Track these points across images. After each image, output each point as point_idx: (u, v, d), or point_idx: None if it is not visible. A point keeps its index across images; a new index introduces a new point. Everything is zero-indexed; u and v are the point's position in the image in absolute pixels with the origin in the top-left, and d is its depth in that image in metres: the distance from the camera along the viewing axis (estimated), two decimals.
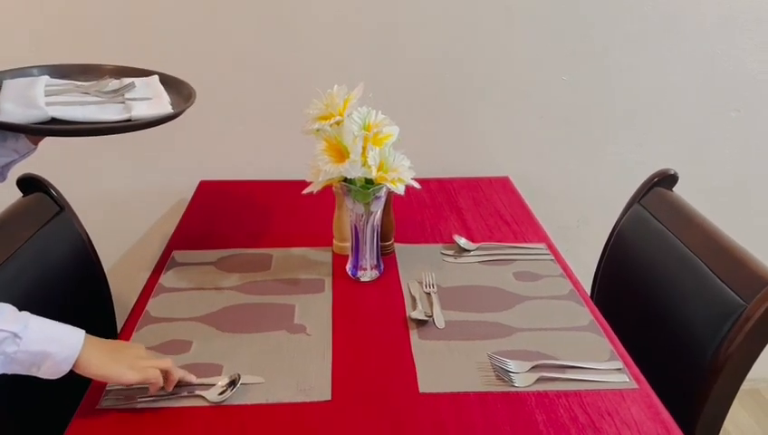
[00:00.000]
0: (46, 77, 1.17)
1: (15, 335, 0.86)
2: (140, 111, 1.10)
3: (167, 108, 1.14)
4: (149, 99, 1.16)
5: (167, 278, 1.29)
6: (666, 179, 1.43)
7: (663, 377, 1.09)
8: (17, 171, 1.23)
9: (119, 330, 1.16)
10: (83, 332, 0.92)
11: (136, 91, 1.19)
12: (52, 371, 0.89)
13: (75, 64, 1.23)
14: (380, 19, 1.67)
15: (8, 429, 1.08)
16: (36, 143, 1.10)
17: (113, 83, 1.20)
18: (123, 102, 1.13)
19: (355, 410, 0.96)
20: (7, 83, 1.13)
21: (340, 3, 1.65)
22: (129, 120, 1.08)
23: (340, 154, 1.15)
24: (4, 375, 0.89)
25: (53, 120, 1.05)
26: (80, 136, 1.08)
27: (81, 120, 1.06)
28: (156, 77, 1.24)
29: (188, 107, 1.14)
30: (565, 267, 1.35)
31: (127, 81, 1.21)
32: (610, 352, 1.09)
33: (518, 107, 1.80)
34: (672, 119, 1.84)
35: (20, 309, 1.13)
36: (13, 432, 1.09)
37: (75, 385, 1.02)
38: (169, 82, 1.22)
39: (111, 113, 1.10)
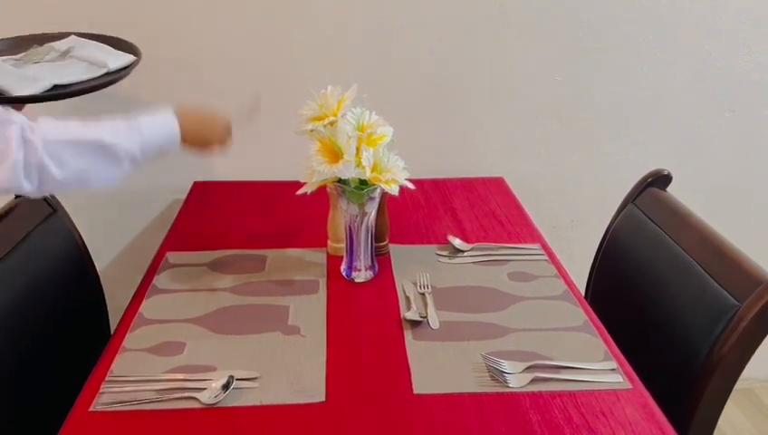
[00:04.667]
0: None
1: (141, 150, 1.05)
2: (113, 63, 1.25)
3: (126, 55, 1.29)
4: (105, 53, 1.29)
5: (160, 280, 1.28)
6: (659, 179, 1.44)
7: (657, 377, 1.09)
8: None
9: (112, 331, 1.15)
10: (176, 122, 1.10)
11: (80, 49, 1.32)
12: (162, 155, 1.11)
13: (9, 38, 1.34)
14: (374, 20, 1.67)
15: (1, 431, 1.08)
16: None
17: (44, 49, 1.32)
18: (86, 62, 1.26)
19: (349, 412, 0.96)
20: None
21: (333, 3, 1.65)
22: (108, 72, 1.23)
23: (334, 155, 1.15)
24: None
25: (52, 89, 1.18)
26: (82, 94, 1.20)
27: (75, 81, 1.20)
28: (73, 36, 1.36)
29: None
30: (559, 268, 1.35)
31: (57, 45, 1.33)
32: (604, 353, 1.09)
33: (512, 107, 1.80)
34: (666, 119, 1.84)
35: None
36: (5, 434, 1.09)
37: (67, 388, 1.02)
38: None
39: (84, 72, 1.23)
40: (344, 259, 1.30)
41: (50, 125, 0.98)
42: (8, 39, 1.35)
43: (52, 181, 0.97)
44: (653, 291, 1.30)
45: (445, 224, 1.53)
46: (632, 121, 1.84)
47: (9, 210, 1.27)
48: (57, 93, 1.20)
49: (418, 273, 1.30)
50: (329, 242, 1.38)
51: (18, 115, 0.96)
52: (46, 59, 1.29)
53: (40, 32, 1.38)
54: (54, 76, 1.21)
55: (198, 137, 1.16)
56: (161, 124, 1.10)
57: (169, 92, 1.62)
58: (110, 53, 1.30)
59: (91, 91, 1.22)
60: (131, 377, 1.01)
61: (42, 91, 1.18)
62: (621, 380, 1.03)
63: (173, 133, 1.10)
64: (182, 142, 1.12)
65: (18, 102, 1.17)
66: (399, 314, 1.18)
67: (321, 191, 1.24)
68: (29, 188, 0.96)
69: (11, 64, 1.27)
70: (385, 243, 1.38)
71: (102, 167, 1.02)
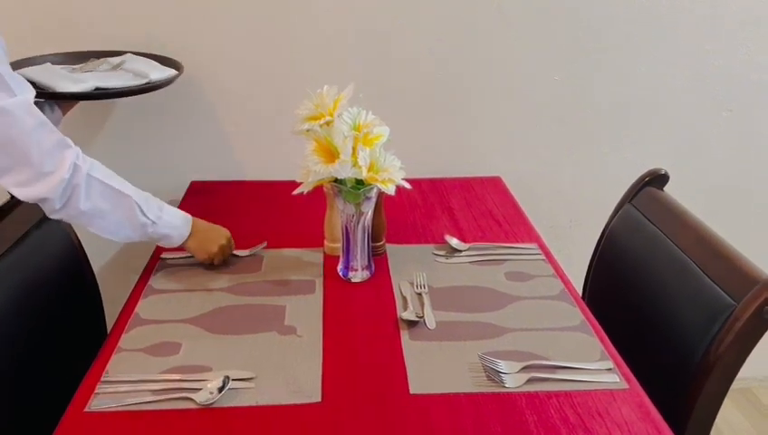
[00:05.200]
0: (48, 64, 1.47)
1: (154, 223, 1.19)
2: (155, 75, 1.44)
3: (169, 70, 1.49)
4: (150, 67, 1.48)
5: (156, 280, 1.28)
6: (657, 179, 1.44)
7: (653, 377, 1.09)
8: None
9: (108, 331, 1.15)
10: (191, 222, 1.26)
11: (131, 63, 1.50)
12: (163, 244, 1.26)
13: (73, 52, 1.55)
14: (371, 19, 1.67)
15: None
16: (65, 114, 1.44)
17: (99, 61, 1.51)
18: (131, 73, 1.45)
19: (345, 412, 0.96)
20: (29, 70, 1.40)
21: (332, 3, 1.64)
22: (149, 82, 1.42)
23: (331, 155, 1.15)
24: None
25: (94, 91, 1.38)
26: (123, 97, 1.44)
27: (115, 87, 1.39)
28: (129, 54, 1.56)
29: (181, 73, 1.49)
30: (557, 267, 1.35)
31: (113, 60, 1.53)
32: (601, 353, 1.09)
33: (510, 107, 1.80)
34: (664, 118, 1.84)
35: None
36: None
37: (63, 389, 1.02)
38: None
39: (127, 80, 1.41)
40: (341, 259, 1.30)
41: (99, 165, 1.12)
42: (71, 52, 1.55)
43: (74, 207, 1.09)
44: (650, 290, 1.30)
45: (442, 223, 1.53)
46: (630, 121, 1.84)
47: (6, 211, 1.27)
48: (98, 93, 1.38)
49: (415, 273, 1.30)
50: (325, 242, 1.38)
51: (75, 148, 1.09)
52: (99, 69, 1.49)
53: (100, 49, 1.59)
54: (99, 81, 1.39)
55: (201, 244, 1.28)
56: (179, 217, 1.25)
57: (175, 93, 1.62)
58: (155, 68, 1.49)
59: (129, 95, 1.42)
60: (127, 377, 1.01)
61: (83, 90, 1.35)
62: (618, 380, 1.03)
63: (183, 230, 1.25)
64: (185, 242, 1.26)
65: (62, 99, 1.38)
66: (396, 314, 1.18)
67: (318, 191, 1.24)
68: (57, 206, 1.07)
69: (67, 71, 1.45)
70: (382, 243, 1.38)
71: (118, 217, 1.15)
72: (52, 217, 1.10)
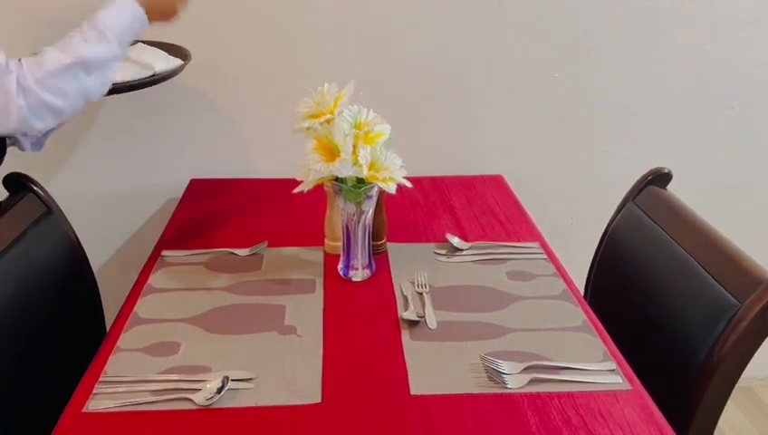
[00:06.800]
0: None
1: (113, 38, 1.10)
2: (159, 66, 1.38)
3: (176, 60, 1.43)
4: (156, 57, 1.43)
5: (156, 278, 1.27)
6: (659, 178, 1.43)
7: (656, 378, 1.08)
8: (3, 170, 1.21)
9: (107, 330, 1.14)
10: (132, 4, 1.14)
11: (138, 52, 1.44)
12: (135, 34, 1.17)
13: None
14: (372, 17, 1.66)
15: None
16: None
17: None
18: (137, 65, 1.38)
19: (346, 413, 0.95)
20: None
21: (332, 2, 1.63)
22: (154, 75, 1.36)
23: (331, 153, 1.14)
24: None
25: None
26: (128, 91, 1.35)
27: (120, 83, 1.30)
28: (139, 43, 1.49)
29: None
30: (558, 267, 1.34)
31: None
32: (604, 353, 1.08)
33: (511, 105, 1.79)
34: (665, 117, 1.83)
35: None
36: None
37: (63, 388, 1.01)
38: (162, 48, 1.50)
39: (132, 75, 1.34)
40: (341, 258, 1.29)
41: (33, 65, 1.04)
42: None
43: (60, 112, 1.07)
44: (653, 290, 1.29)
45: (443, 222, 1.52)
46: (631, 120, 1.83)
47: (4, 209, 1.26)
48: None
49: (416, 272, 1.29)
50: (326, 241, 1.37)
51: (13, 63, 1.03)
52: None
53: None
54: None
55: (160, 7, 1.19)
56: (121, 10, 1.14)
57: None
58: (161, 58, 1.44)
59: (132, 90, 1.36)
60: (125, 378, 1.00)
61: None
62: (620, 380, 1.02)
63: (135, 14, 1.15)
64: (148, 17, 1.16)
65: None
66: (397, 314, 1.17)
67: (319, 189, 1.23)
68: (43, 125, 1.06)
69: None
70: (382, 241, 1.37)
71: (96, 77, 1.10)
72: (51, 128, 1.10)
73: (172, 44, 1.52)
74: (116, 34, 1.11)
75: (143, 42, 1.53)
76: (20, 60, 1.04)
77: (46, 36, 1.52)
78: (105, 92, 1.14)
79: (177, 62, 1.44)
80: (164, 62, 1.42)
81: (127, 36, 1.14)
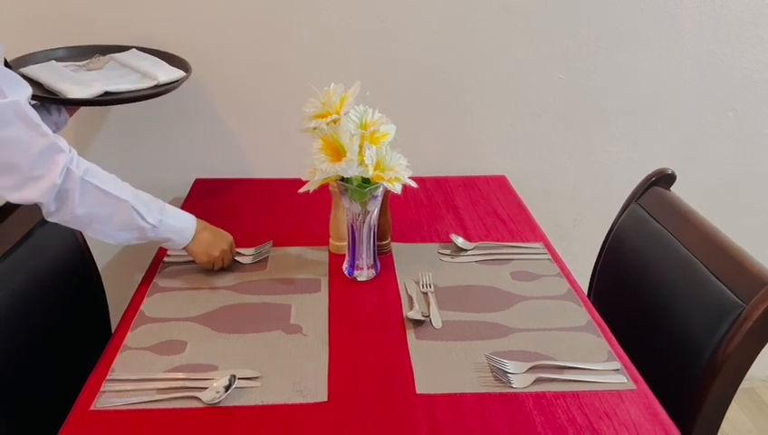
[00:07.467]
0: (53, 62, 1.44)
1: (155, 227, 1.16)
2: (163, 77, 1.41)
3: (177, 71, 1.46)
4: (158, 67, 1.46)
5: (161, 278, 1.27)
6: (663, 179, 1.43)
7: (661, 378, 1.08)
8: None
9: (113, 330, 1.15)
10: (194, 226, 1.23)
11: (138, 60, 1.48)
12: (165, 246, 1.25)
13: (77, 47, 1.53)
14: (377, 18, 1.66)
15: (1, 431, 1.07)
16: (71, 115, 1.40)
17: (105, 58, 1.48)
18: (139, 73, 1.42)
19: (351, 412, 0.95)
20: (34, 68, 1.36)
21: (336, 2, 1.64)
22: (158, 85, 1.39)
23: (337, 153, 1.14)
24: None
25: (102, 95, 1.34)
26: (129, 102, 1.38)
27: (124, 90, 1.35)
28: (134, 49, 1.54)
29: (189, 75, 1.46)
30: (562, 267, 1.35)
31: (118, 56, 1.50)
32: (608, 353, 1.08)
33: (515, 106, 1.79)
34: (669, 118, 1.84)
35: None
36: (6, 434, 1.08)
37: (69, 387, 1.02)
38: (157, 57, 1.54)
39: (135, 82, 1.38)
40: (346, 258, 1.29)
41: (96, 169, 1.11)
42: (75, 47, 1.53)
43: (68, 211, 1.07)
44: (657, 291, 1.29)
45: (447, 222, 1.52)
46: (636, 120, 1.83)
47: (10, 209, 1.27)
48: (107, 99, 1.36)
49: (421, 272, 1.30)
50: (331, 240, 1.37)
51: (74, 152, 1.08)
52: (105, 67, 1.46)
53: (105, 43, 1.57)
54: (107, 83, 1.36)
55: (203, 248, 1.25)
56: (182, 220, 1.22)
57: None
58: (163, 68, 1.46)
59: (137, 101, 1.38)
60: (132, 376, 1.01)
61: (92, 96, 1.32)
62: (625, 380, 1.02)
63: (186, 233, 1.22)
64: (188, 246, 1.23)
65: (71, 104, 1.37)
66: (402, 314, 1.18)
67: (324, 189, 1.24)
68: (51, 209, 1.06)
69: (72, 69, 1.42)
70: (387, 241, 1.38)
71: (116, 222, 1.13)
72: (48, 219, 1.09)
73: (171, 54, 1.55)
74: (162, 224, 1.17)
75: (138, 48, 1.56)
76: (90, 165, 1.10)
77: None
78: (104, 239, 1.15)
79: (180, 73, 1.46)
80: (166, 72, 1.45)
81: (161, 234, 1.18)
